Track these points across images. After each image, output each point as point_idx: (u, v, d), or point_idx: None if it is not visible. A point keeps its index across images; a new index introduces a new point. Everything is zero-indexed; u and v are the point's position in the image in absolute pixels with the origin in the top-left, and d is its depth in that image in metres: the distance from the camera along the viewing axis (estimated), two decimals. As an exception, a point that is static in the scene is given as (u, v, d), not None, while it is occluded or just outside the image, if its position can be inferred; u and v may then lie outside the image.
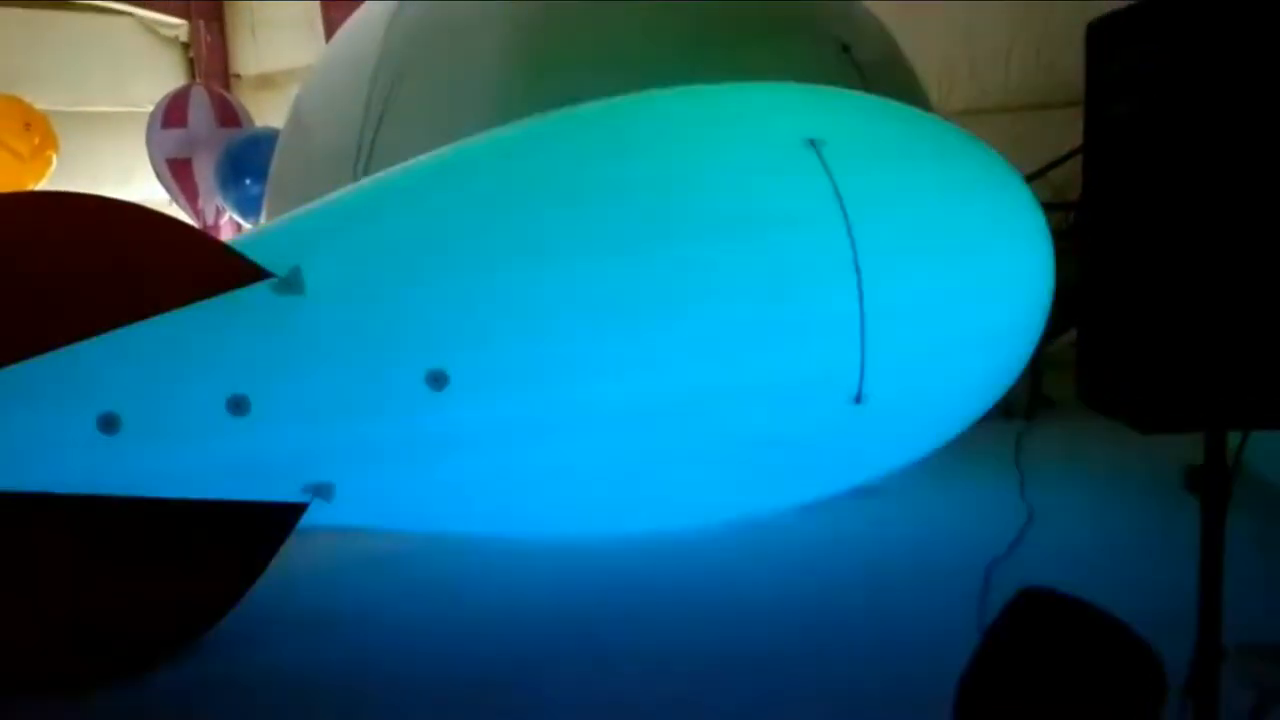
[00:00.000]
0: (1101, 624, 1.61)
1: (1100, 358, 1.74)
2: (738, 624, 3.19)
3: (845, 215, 3.18)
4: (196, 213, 11.47)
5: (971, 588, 3.19)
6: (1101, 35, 1.69)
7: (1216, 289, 1.58)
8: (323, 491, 2.96)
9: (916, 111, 3.99)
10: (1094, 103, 1.72)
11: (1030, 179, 4.41)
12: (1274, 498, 3.59)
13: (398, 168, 3.43)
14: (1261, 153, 1.56)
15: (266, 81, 14.10)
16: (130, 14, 14.56)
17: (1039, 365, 5.11)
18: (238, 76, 14.76)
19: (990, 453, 4.36)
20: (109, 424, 2.75)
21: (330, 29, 11.31)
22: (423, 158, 3.42)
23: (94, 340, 2.76)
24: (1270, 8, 1.54)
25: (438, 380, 2.92)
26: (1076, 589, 1.93)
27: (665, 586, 3.49)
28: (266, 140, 8.54)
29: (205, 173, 11.04)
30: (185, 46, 15.15)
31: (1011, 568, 3.38)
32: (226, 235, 11.35)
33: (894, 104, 3.85)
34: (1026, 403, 5.40)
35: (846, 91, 3.91)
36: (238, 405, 2.83)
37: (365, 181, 3.71)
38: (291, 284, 2.90)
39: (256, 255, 2.92)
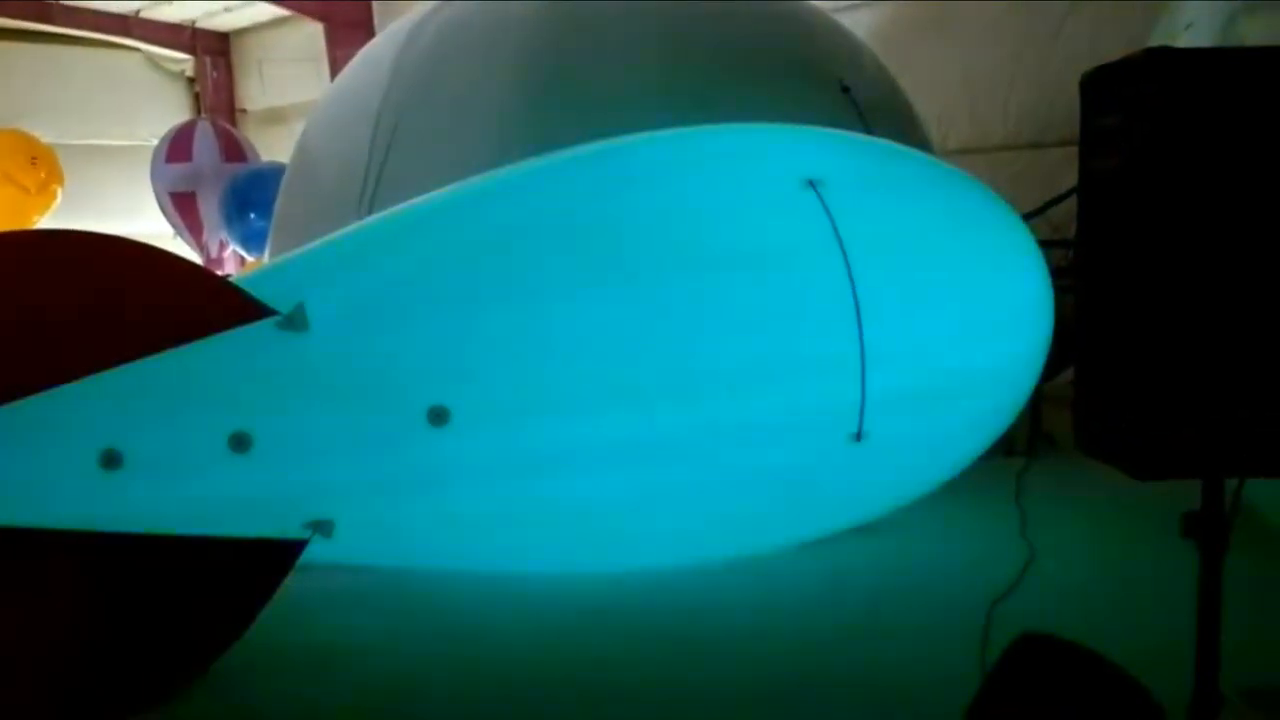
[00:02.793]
0: (1102, 670, 1.61)
1: (1096, 404, 1.75)
2: (736, 662, 3.17)
3: (845, 254, 3.20)
4: (200, 247, 11.54)
5: (973, 627, 3.17)
6: (1096, 86, 1.71)
7: (1211, 338, 1.60)
8: (323, 528, 2.96)
9: (915, 151, 4.03)
10: (1088, 152, 1.74)
11: (1029, 217, 4.44)
12: (1274, 538, 3.59)
13: (402, 205, 3.46)
14: (1255, 201, 1.58)
15: (272, 116, 14.24)
16: (137, 49, 14.72)
17: (1039, 402, 5.11)
18: (244, 111, 14.90)
19: (991, 491, 4.35)
20: (111, 460, 2.76)
21: (335, 65, 11.43)
22: (427, 195, 3.45)
23: (96, 376, 2.77)
24: (1259, 62, 1.56)
25: (439, 416, 2.93)
26: (1078, 630, 1.93)
27: (664, 624, 3.47)
28: (271, 175, 8.62)
29: (210, 207, 11.12)
30: (191, 81, 15.30)
31: (1013, 607, 3.36)
32: (230, 269, 11.41)
33: (893, 144, 3.89)
34: (1027, 440, 5.39)
35: (846, 132, 3.95)
36: (240, 441, 2.83)
37: (370, 218, 3.74)
38: (295, 321, 2.91)
39: (260, 292, 2.94)
